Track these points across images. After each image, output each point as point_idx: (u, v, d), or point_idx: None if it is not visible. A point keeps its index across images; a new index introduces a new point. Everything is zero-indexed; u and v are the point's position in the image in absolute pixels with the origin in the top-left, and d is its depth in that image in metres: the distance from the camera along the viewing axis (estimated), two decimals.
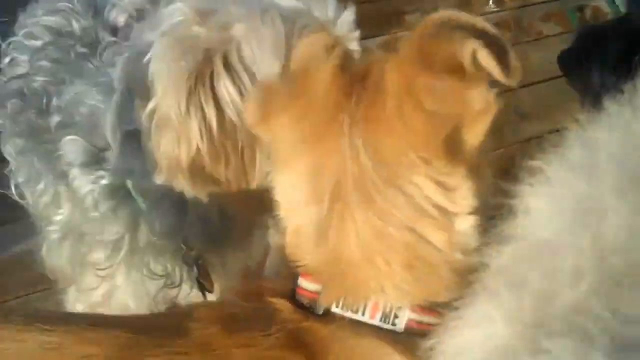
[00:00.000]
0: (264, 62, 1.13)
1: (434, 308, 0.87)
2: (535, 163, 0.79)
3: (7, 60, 1.47)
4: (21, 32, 1.47)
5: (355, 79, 0.87)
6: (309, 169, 0.88)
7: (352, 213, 0.85)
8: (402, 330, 0.88)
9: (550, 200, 0.77)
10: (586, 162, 0.77)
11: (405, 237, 0.84)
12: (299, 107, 0.88)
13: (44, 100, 1.35)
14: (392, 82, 0.83)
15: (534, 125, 2.54)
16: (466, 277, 0.85)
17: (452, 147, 0.82)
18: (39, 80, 1.38)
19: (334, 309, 0.89)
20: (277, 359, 0.86)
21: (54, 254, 1.46)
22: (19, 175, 1.47)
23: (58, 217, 1.40)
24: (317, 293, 0.90)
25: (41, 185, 1.41)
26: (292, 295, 0.91)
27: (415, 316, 0.88)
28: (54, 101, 1.34)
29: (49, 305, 1.86)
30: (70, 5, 1.44)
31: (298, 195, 0.89)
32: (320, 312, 0.90)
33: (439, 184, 0.83)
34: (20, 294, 1.95)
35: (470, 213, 0.85)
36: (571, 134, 0.79)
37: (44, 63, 1.39)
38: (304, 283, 0.91)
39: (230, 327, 0.87)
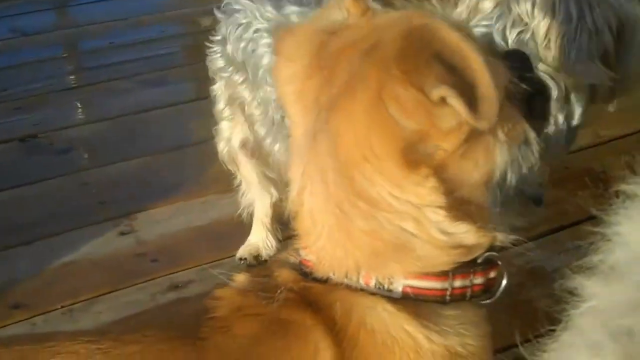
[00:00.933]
0: None
1: (436, 274, 0.87)
2: (629, 187, 0.77)
3: None
4: None
5: (339, 60, 0.86)
6: (295, 138, 0.91)
7: (317, 198, 0.87)
8: (400, 296, 0.88)
9: None
10: None
11: (368, 226, 0.85)
12: (291, 69, 0.91)
13: None
14: (364, 77, 0.83)
15: None
16: (469, 246, 0.87)
17: (413, 152, 0.81)
18: None
19: (331, 276, 0.90)
20: (285, 320, 0.88)
21: None
22: None
23: None
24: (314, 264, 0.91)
25: None
26: (298, 267, 0.94)
27: (411, 282, 0.88)
28: None
29: (89, 315, 1.88)
30: None
31: (292, 159, 0.92)
32: (319, 279, 0.91)
33: (393, 181, 0.83)
34: (64, 304, 1.96)
35: (440, 207, 0.84)
36: None
37: None
38: (305, 254, 0.93)
39: (242, 303, 0.90)
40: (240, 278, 0.95)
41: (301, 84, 0.90)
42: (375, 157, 0.82)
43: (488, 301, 0.93)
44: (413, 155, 0.81)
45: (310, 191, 0.88)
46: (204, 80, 1.92)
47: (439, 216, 0.85)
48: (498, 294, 0.93)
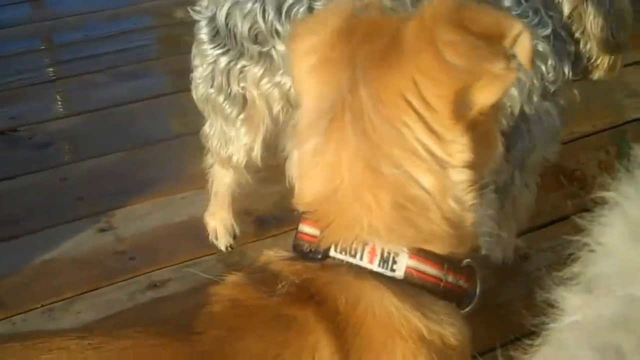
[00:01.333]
0: None
1: (435, 259, 0.90)
2: (610, 195, 0.77)
3: None
4: None
5: (374, 25, 0.90)
6: (314, 99, 0.92)
7: (346, 146, 0.88)
8: (402, 277, 0.89)
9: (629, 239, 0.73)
10: None
11: (394, 175, 0.87)
12: (312, 41, 0.93)
13: None
14: (414, 29, 0.86)
15: None
16: (464, 233, 0.90)
17: (459, 102, 0.85)
18: None
19: (332, 253, 0.90)
20: (286, 317, 0.87)
21: None
22: None
23: None
24: (316, 237, 0.91)
25: None
26: (293, 246, 0.93)
27: (414, 263, 0.89)
28: None
29: (69, 314, 1.89)
30: None
31: (303, 125, 0.92)
32: (320, 256, 0.91)
33: (433, 132, 0.86)
34: (44, 302, 1.95)
35: (465, 167, 0.88)
36: None
37: None
38: (304, 228, 0.93)
39: (239, 297, 0.90)
40: (233, 277, 0.95)
41: (329, 49, 0.92)
42: (423, 104, 0.85)
43: (466, 309, 0.96)
44: (459, 105, 0.85)
45: (339, 143, 0.88)
46: (181, 72, 1.89)
47: (461, 176, 0.88)
48: (473, 304, 0.96)
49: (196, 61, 1.81)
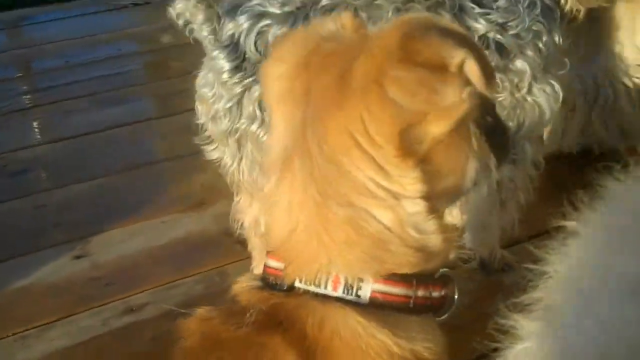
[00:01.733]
0: None
1: (401, 279, 0.90)
2: (570, 224, 0.76)
3: None
4: None
5: (331, 57, 0.90)
6: (278, 133, 0.92)
7: (298, 186, 0.88)
8: (367, 301, 0.89)
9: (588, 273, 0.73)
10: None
11: (346, 214, 0.86)
12: (280, 69, 0.93)
13: None
14: (363, 64, 0.85)
15: None
16: (432, 253, 0.90)
17: (405, 140, 0.84)
18: None
19: (298, 284, 0.91)
20: (256, 345, 0.87)
21: None
22: None
23: None
24: (281, 270, 0.92)
25: None
26: (261, 279, 0.94)
27: (379, 287, 0.89)
28: None
29: (42, 342, 1.86)
30: None
31: (268, 160, 0.93)
32: (285, 288, 0.91)
33: (382, 169, 0.85)
34: (16, 330, 1.92)
35: (421, 197, 0.87)
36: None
37: None
38: (270, 262, 0.93)
39: (210, 330, 0.90)
40: (201, 310, 0.94)
41: (291, 82, 0.91)
42: (370, 141, 0.84)
43: (442, 317, 0.95)
44: (407, 141, 0.84)
45: (291, 184, 0.89)
46: (163, 98, 1.87)
47: (417, 207, 0.87)
48: (450, 311, 0.95)
49: (209, 91, 1.68)
